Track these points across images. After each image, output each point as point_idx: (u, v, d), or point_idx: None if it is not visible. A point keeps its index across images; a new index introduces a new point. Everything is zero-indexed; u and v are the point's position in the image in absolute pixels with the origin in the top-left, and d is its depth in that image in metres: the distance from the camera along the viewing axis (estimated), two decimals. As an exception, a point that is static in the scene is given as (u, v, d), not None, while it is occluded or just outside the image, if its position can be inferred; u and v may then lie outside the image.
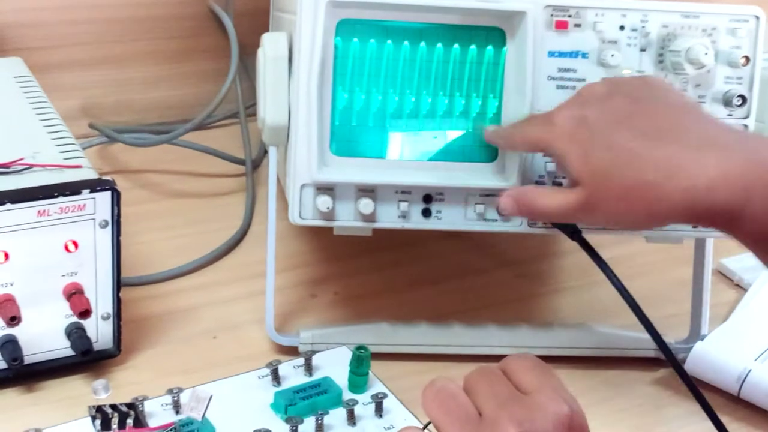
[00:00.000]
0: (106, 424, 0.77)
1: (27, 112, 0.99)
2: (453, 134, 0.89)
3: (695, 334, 0.99)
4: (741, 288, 1.10)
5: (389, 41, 0.87)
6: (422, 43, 0.87)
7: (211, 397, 0.76)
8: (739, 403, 0.92)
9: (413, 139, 0.89)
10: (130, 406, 0.78)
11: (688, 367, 0.93)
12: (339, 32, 0.86)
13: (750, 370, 0.92)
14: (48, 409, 0.86)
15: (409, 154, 0.89)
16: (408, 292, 1.06)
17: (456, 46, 0.87)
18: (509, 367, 0.65)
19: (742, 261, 1.13)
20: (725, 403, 0.92)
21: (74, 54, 1.30)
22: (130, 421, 0.77)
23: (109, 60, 1.32)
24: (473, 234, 0.98)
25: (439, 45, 0.87)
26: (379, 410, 0.86)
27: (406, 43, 0.87)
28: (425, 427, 0.66)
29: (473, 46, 0.88)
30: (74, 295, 0.87)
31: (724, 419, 0.81)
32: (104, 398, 0.79)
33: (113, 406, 0.77)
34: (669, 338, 0.95)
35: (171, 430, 0.77)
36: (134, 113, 1.34)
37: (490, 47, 0.88)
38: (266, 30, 1.11)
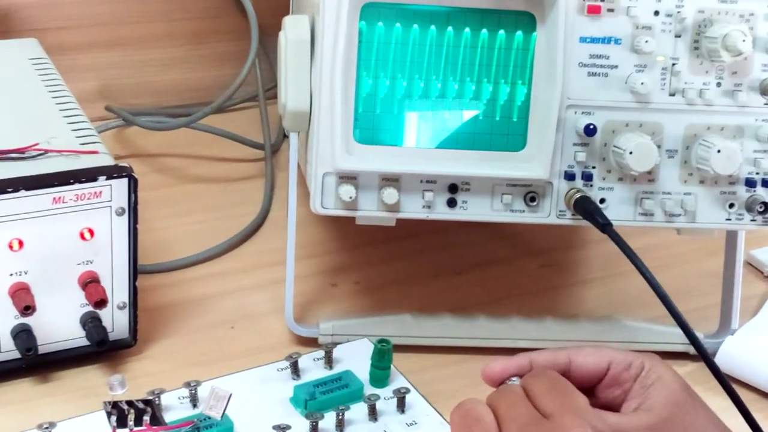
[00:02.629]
0: (122, 420, 0.75)
1: (42, 95, 0.98)
2: (480, 122, 0.86)
3: (725, 329, 0.97)
4: (772, 280, 1.08)
5: (415, 25, 0.85)
6: (449, 28, 0.85)
7: (230, 396, 0.74)
8: (770, 400, 0.90)
9: (439, 127, 0.86)
10: (147, 402, 0.76)
11: (718, 362, 0.90)
12: (363, 16, 0.84)
13: (782, 367, 0.90)
14: (62, 401, 0.85)
15: (435, 143, 0.87)
16: (430, 281, 1.04)
17: (484, 30, 0.85)
18: (529, 388, 0.64)
19: (772, 252, 1.11)
20: (757, 400, 0.90)
21: (91, 35, 1.29)
22: (146, 418, 0.75)
23: (127, 41, 1.31)
24: (496, 223, 0.96)
25: (467, 30, 0.85)
26: (401, 405, 0.84)
27: (432, 27, 0.85)
28: None
29: (502, 31, 0.85)
30: (90, 284, 0.86)
31: (756, 416, 0.79)
32: (120, 394, 0.77)
33: (129, 403, 0.75)
34: (698, 332, 0.92)
35: (190, 428, 0.76)
36: (152, 96, 1.33)
37: (519, 32, 0.85)
38: (287, 11, 1.09)
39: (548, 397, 0.62)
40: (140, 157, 1.23)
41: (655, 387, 0.68)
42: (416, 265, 1.07)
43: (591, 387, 0.69)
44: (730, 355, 0.92)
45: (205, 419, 0.78)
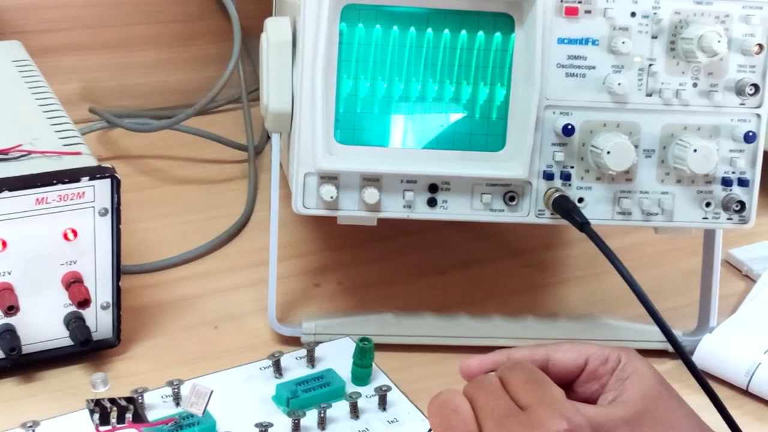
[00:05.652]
0: (104, 418, 0.75)
1: (26, 97, 0.98)
2: (460, 123, 0.87)
3: (703, 326, 0.97)
4: (750, 279, 1.09)
5: (395, 27, 0.85)
6: (429, 29, 0.86)
7: (211, 393, 0.75)
8: (747, 396, 0.91)
9: (419, 128, 0.87)
10: (129, 400, 0.77)
11: (696, 359, 0.92)
12: (344, 18, 0.84)
13: (759, 364, 0.91)
14: (46, 400, 0.85)
15: (415, 143, 0.87)
16: (413, 281, 1.05)
17: (463, 32, 0.86)
18: (506, 380, 0.64)
19: (751, 251, 1.12)
20: (733, 397, 0.91)
21: (74, 37, 1.29)
22: (129, 416, 0.76)
23: (110, 44, 1.31)
24: (480, 223, 0.97)
25: (446, 31, 0.86)
26: (382, 403, 0.85)
27: (412, 29, 0.85)
28: None
29: (481, 33, 0.86)
30: (73, 284, 0.86)
31: (733, 413, 0.80)
32: (103, 392, 0.77)
33: (112, 400, 0.76)
34: (676, 330, 0.94)
35: (172, 425, 0.76)
36: (135, 98, 1.33)
37: (498, 34, 0.86)
38: (269, 14, 1.10)
39: (525, 389, 0.62)
40: (124, 158, 1.23)
41: (632, 380, 0.68)
42: (398, 265, 1.07)
43: (569, 382, 0.70)
44: (708, 352, 0.93)
45: (187, 417, 0.78)
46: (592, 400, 0.69)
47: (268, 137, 1.25)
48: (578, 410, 0.62)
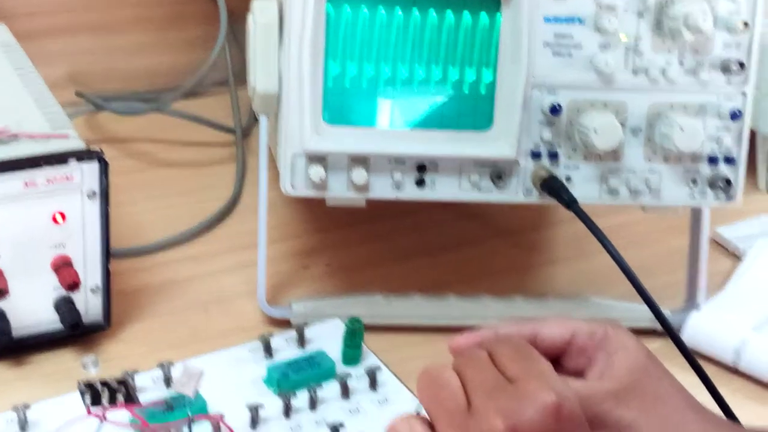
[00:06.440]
0: (96, 399, 0.76)
1: (12, 80, 0.98)
2: (447, 103, 0.87)
3: (691, 304, 0.98)
4: (736, 257, 1.09)
5: (381, 8, 0.85)
6: (415, 10, 0.86)
7: (202, 373, 0.75)
8: (735, 373, 0.92)
9: (407, 108, 0.87)
10: (121, 381, 0.77)
11: (684, 337, 0.92)
12: (330, -2, 0.84)
13: (747, 341, 0.92)
14: (37, 384, 0.85)
15: (403, 123, 0.87)
16: (402, 263, 1.05)
17: (449, 11, 0.86)
18: (494, 353, 0.64)
19: (737, 229, 1.12)
20: (721, 374, 0.91)
21: (60, 21, 1.28)
22: (120, 397, 0.76)
23: (96, 27, 1.30)
24: (468, 204, 0.97)
25: (432, 11, 0.86)
26: (373, 383, 0.85)
27: (398, 9, 0.85)
28: (419, 410, 0.65)
29: (467, 12, 0.86)
30: (62, 267, 0.86)
31: (721, 390, 0.80)
32: (94, 373, 0.78)
33: (103, 382, 0.76)
34: (664, 308, 0.93)
35: (163, 406, 0.76)
36: (122, 81, 1.32)
37: (483, 13, 0.86)
38: (256, -4, 1.09)
39: (513, 363, 0.62)
40: (111, 142, 1.23)
41: (619, 354, 0.69)
42: (387, 247, 1.07)
43: (557, 357, 0.70)
44: (696, 330, 0.94)
45: (178, 399, 0.78)
46: (579, 375, 0.69)
47: (256, 120, 1.24)
48: (567, 383, 0.63)
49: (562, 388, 0.60)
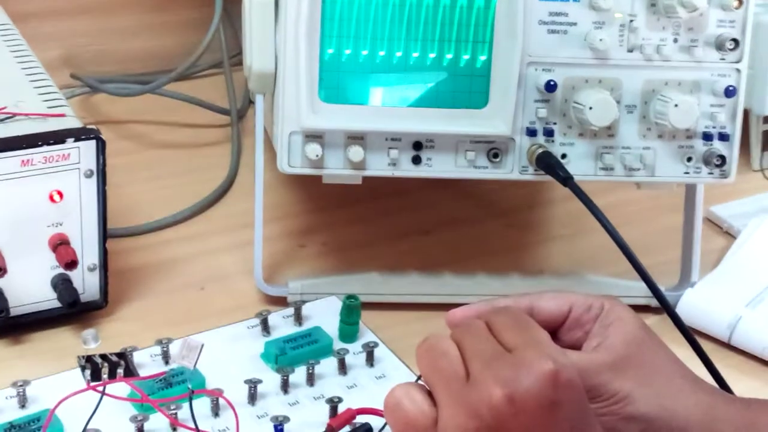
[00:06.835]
0: (96, 374, 0.76)
1: (8, 60, 0.98)
2: (443, 80, 0.88)
3: (685, 281, 0.98)
4: (730, 235, 1.10)
5: (378, -15, 0.86)
6: (411, -12, 0.86)
7: (203, 346, 0.75)
8: (729, 349, 0.92)
9: (403, 85, 0.87)
10: (120, 355, 0.77)
11: (679, 313, 0.92)
12: (326, -24, 0.85)
13: (741, 317, 0.92)
14: (35, 362, 0.85)
15: (399, 101, 0.88)
16: (398, 241, 1.05)
17: (445, -10, 0.86)
18: (492, 323, 0.65)
19: (731, 208, 1.13)
20: (716, 350, 0.92)
21: (54, 3, 1.28)
22: (120, 371, 0.76)
23: (91, 9, 1.30)
24: (463, 183, 0.97)
25: (429, -11, 0.86)
26: (370, 359, 0.85)
27: (395, -13, 0.86)
28: (418, 379, 0.66)
29: (463, -10, 0.86)
30: (60, 245, 0.86)
31: (716, 365, 0.81)
32: (93, 348, 0.78)
33: (103, 356, 0.76)
34: (659, 285, 0.94)
35: (161, 379, 0.77)
36: (117, 63, 1.33)
37: (480, -9, 0.86)
38: (251, -24, 1.09)
39: (511, 332, 0.63)
40: (107, 123, 1.23)
41: (615, 326, 0.69)
42: (383, 225, 1.08)
43: (553, 331, 0.71)
44: (690, 306, 0.94)
45: (177, 374, 0.79)
46: (576, 347, 0.70)
47: (251, 102, 1.24)
48: (564, 353, 0.63)
49: (559, 356, 0.61)
